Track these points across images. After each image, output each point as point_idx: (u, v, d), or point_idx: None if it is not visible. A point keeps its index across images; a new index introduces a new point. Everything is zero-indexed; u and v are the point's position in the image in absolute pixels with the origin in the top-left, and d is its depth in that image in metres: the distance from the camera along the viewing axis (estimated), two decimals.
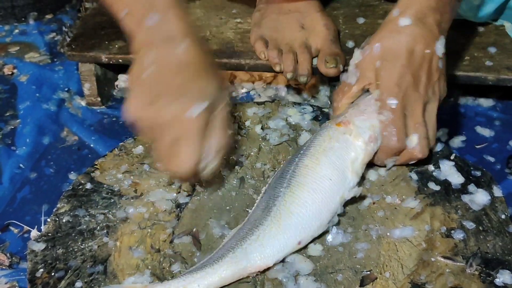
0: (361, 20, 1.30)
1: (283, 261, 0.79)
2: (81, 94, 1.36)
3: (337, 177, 0.84)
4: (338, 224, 0.84)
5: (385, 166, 0.90)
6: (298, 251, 0.80)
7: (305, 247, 0.81)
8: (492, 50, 1.20)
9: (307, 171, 0.84)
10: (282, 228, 0.79)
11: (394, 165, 0.90)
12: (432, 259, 0.79)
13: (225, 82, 0.86)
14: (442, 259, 0.79)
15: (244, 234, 0.80)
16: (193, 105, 0.78)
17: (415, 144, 0.87)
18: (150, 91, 0.80)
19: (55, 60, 1.50)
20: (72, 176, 1.15)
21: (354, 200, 0.87)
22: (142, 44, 0.81)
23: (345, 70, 1.17)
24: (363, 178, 0.90)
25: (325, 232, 0.83)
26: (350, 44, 1.23)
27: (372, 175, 0.91)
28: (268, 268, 0.78)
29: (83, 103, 1.35)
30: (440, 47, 0.89)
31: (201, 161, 0.82)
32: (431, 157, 0.92)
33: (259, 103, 1.07)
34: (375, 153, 0.88)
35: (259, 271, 0.78)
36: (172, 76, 0.79)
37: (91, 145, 1.25)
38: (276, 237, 0.79)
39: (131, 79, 0.82)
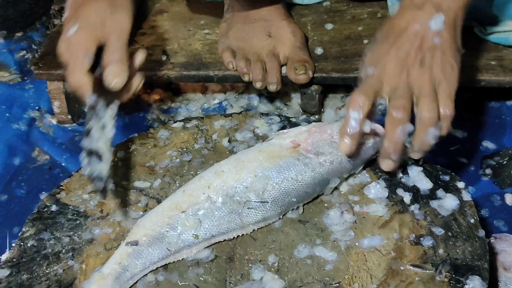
0: (329, 26, 1.29)
1: (252, 279, 0.78)
2: (52, 112, 1.35)
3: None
4: (306, 236, 0.83)
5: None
6: (267, 267, 0.80)
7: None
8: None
9: None
10: None
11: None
12: (401, 268, 0.78)
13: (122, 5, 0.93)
14: (411, 268, 0.78)
15: None
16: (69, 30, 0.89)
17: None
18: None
19: (26, 78, 1.48)
20: (44, 196, 1.13)
21: (321, 210, 0.86)
22: None
23: (314, 77, 1.17)
24: (335, 188, 0.89)
25: (294, 245, 0.82)
26: (319, 50, 1.23)
27: (341, 185, 0.90)
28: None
29: (54, 121, 1.34)
30: (434, 24, 0.85)
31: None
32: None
33: (226, 115, 1.06)
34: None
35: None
36: (69, 15, 0.93)
37: (63, 164, 1.24)
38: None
39: None
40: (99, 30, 0.90)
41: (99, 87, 0.88)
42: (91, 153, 0.84)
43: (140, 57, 0.95)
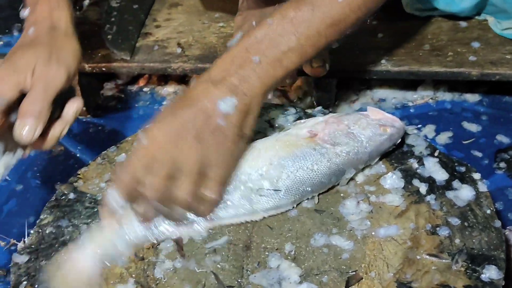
0: None
1: (269, 267, 0.79)
2: None
3: None
4: (322, 225, 0.83)
5: None
6: (284, 255, 0.80)
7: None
8: (476, 45, 1.19)
9: None
10: None
11: None
12: (418, 257, 0.78)
13: (59, 57, 0.89)
14: (427, 257, 0.78)
15: None
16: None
17: None
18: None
19: None
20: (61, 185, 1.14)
21: (337, 200, 0.86)
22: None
23: (329, 70, 1.17)
24: (351, 179, 0.89)
25: (310, 234, 0.82)
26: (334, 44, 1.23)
27: (357, 176, 0.90)
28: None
29: None
30: (224, 105, 0.79)
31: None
32: None
33: None
34: None
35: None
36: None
37: (77, 155, 1.25)
38: None
39: None
40: (24, 76, 0.84)
41: (9, 131, 0.83)
42: None
43: (74, 107, 0.89)
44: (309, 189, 0.85)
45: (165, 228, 0.82)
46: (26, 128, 0.82)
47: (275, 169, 0.84)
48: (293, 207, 0.86)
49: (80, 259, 0.79)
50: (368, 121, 0.89)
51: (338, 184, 0.88)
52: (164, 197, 0.79)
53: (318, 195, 0.87)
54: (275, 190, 0.83)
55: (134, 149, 0.79)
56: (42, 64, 0.86)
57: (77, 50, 0.93)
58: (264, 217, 0.85)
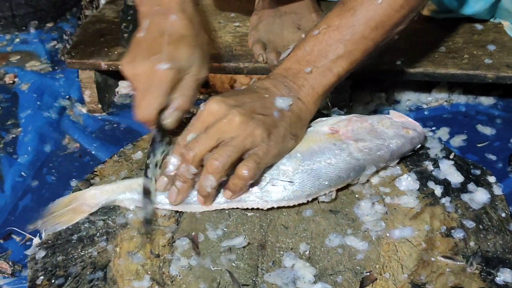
0: None
1: (284, 267, 0.79)
2: (82, 101, 1.36)
3: None
4: (337, 225, 0.84)
5: None
6: (298, 255, 0.81)
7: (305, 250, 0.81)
8: (492, 48, 1.19)
9: None
10: None
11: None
12: (432, 259, 0.78)
13: (205, 57, 0.96)
14: (442, 259, 0.79)
15: None
16: (161, 63, 0.89)
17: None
18: (134, 50, 0.93)
19: (56, 68, 1.51)
20: (74, 183, 1.14)
21: (352, 201, 0.87)
22: (143, 14, 0.96)
23: None
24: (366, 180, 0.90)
25: (325, 234, 0.83)
26: None
27: (372, 177, 0.91)
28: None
29: (84, 110, 1.36)
30: (280, 102, 0.84)
31: (164, 111, 0.91)
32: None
33: None
34: None
35: None
36: (153, 40, 0.92)
37: (93, 152, 1.26)
38: None
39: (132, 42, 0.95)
40: (183, 72, 0.91)
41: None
42: (146, 193, 0.86)
43: None
44: (326, 183, 0.86)
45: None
46: (173, 120, 0.93)
47: (292, 161, 0.85)
48: (308, 201, 0.86)
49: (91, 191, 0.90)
50: (392, 122, 0.89)
51: (358, 181, 0.89)
52: (197, 162, 0.82)
53: (336, 191, 0.88)
54: (288, 181, 0.84)
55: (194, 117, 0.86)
56: (197, 64, 0.94)
57: None
58: (275, 208, 0.86)
